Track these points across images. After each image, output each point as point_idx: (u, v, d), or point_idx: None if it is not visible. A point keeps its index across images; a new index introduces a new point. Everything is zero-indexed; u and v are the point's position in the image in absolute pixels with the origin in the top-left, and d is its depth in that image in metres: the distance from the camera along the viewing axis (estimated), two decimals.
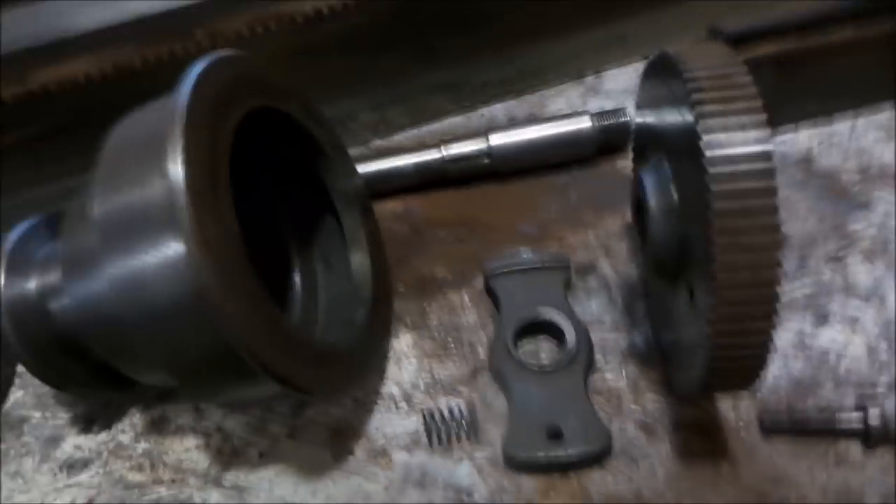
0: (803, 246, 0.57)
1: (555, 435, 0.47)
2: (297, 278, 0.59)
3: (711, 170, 0.35)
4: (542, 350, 0.54)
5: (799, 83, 0.63)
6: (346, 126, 0.75)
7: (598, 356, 0.52)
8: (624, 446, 0.48)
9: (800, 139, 0.66)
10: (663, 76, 0.43)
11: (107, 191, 0.40)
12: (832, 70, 0.63)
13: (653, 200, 0.43)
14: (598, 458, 0.47)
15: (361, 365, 0.51)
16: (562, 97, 0.76)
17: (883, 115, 0.66)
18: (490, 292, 0.57)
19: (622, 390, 0.50)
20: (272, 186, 0.58)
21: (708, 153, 0.35)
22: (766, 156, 0.34)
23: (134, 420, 0.54)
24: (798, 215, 0.60)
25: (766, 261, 0.34)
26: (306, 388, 0.43)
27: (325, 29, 0.66)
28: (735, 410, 0.48)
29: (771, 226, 0.34)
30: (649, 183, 0.44)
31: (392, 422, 0.51)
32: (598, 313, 0.55)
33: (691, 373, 0.41)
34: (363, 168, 0.67)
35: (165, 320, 0.39)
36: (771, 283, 0.34)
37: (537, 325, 0.54)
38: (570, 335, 0.52)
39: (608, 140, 0.67)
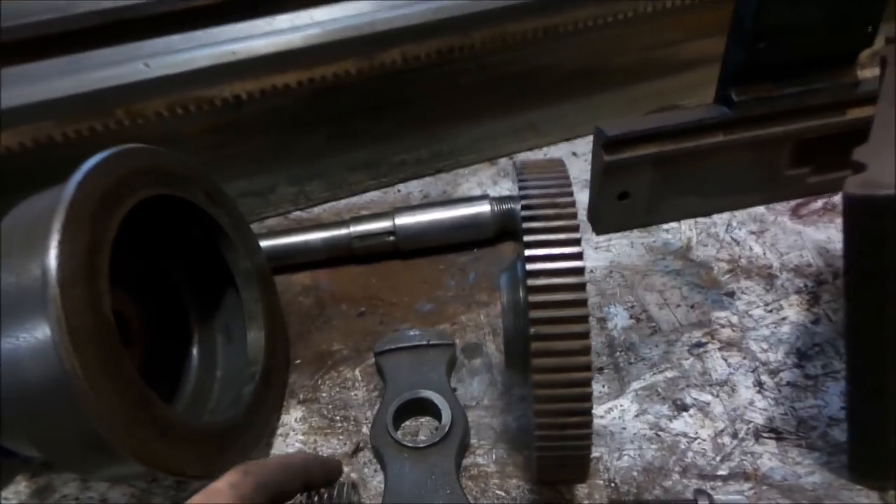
0: (670, 333, 0.62)
1: None
2: (195, 350, 0.61)
3: (528, 281, 0.39)
4: (423, 429, 0.57)
5: (678, 181, 0.69)
6: (266, 198, 0.79)
7: (473, 438, 0.56)
8: None
9: (682, 230, 0.72)
10: None
11: None
12: (706, 170, 0.68)
13: (504, 297, 0.47)
14: None
15: (245, 442, 0.53)
16: (475, 177, 0.82)
17: (757, 212, 0.72)
18: (379, 369, 0.60)
19: (490, 472, 0.54)
20: (176, 261, 0.61)
21: (528, 266, 0.39)
22: (578, 271, 0.39)
23: (19, 487, 0.55)
24: (671, 303, 0.64)
25: (577, 363, 0.38)
26: (178, 469, 0.45)
27: (245, 111, 0.70)
28: (589, 497, 0.51)
29: (581, 333, 0.38)
30: (503, 281, 0.48)
31: None
32: (478, 394, 0.59)
33: (533, 462, 0.45)
34: (275, 242, 0.70)
35: (35, 402, 0.41)
36: (582, 384, 0.38)
37: (417, 404, 0.57)
38: (446, 415, 0.55)
39: (506, 224, 0.72)
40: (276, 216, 0.79)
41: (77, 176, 0.44)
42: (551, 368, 0.38)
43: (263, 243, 0.67)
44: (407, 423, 0.57)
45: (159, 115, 0.67)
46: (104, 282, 0.42)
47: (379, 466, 0.54)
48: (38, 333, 0.39)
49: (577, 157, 0.84)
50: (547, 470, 0.42)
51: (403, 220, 0.70)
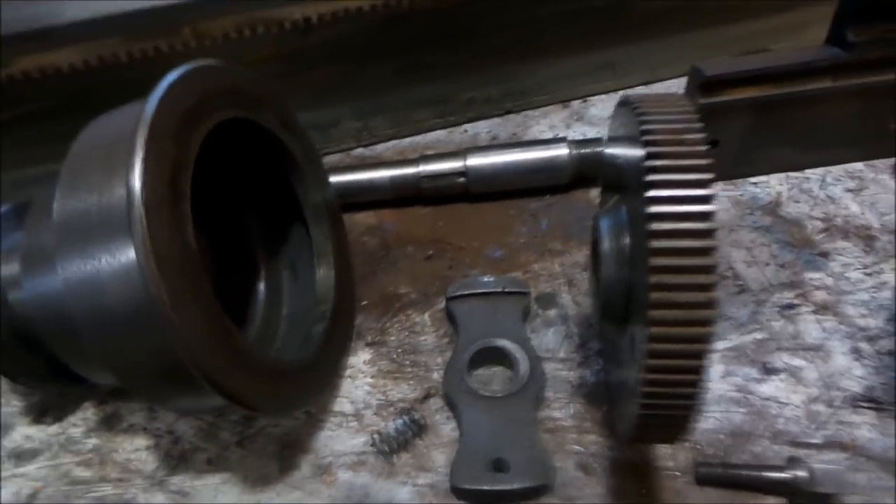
0: (759, 293, 0.58)
1: (500, 467, 0.48)
2: (261, 286, 0.59)
3: (652, 225, 0.35)
4: (496, 377, 0.55)
5: (774, 130, 0.64)
6: (329, 133, 0.75)
7: (548, 390, 0.53)
8: (562, 483, 0.49)
9: (772, 184, 0.67)
10: (629, 117, 0.44)
11: (68, 193, 0.41)
12: (808, 120, 0.63)
13: (606, 244, 0.44)
14: (540, 493, 0.48)
15: (315, 382, 0.52)
16: (546, 120, 0.77)
17: (854, 168, 0.67)
18: (450, 315, 0.58)
19: (567, 427, 0.51)
20: (244, 193, 0.59)
21: (651, 208, 0.35)
22: (707, 216, 0.35)
23: (87, 414, 0.55)
24: (759, 261, 0.61)
25: (697, 318, 0.35)
26: (253, 404, 0.43)
27: (314, 36, 0.67)
28: (673, 458, 0.49)
29: (705, 284, 0.35)
30: (604, 225, 0.45)
31: (341, 439, 0.52)
32: (553, 345, 0.56)
33: (627, 419, 0.42)
34: (340, 178, 0.67)
35: (116, 326, 0.40)
36: (701, 339, 0.35)
37: (492, 353, 0.55)
38: (523, 366, 0.53)
39: (584, 170, 0.68)
40: (338, 152, 0.76)
41: (158, 91, 0.41)
42: (670, 321, 0.35)
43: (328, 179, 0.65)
44: (479, 371, 0.55)
45: (226, 37, 0.63)
46: (187, 205, 0.40)
47: (451, 414, 0.53)
48: (121, 256, 0.37)
49: None
50: (646, 428, 0.39)
51: (476, 160, 0.67)
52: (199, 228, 0.55)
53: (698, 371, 0.36)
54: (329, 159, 0.75)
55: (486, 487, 0.47)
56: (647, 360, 0.36)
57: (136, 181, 0.36)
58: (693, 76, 0.60)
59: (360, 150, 0.76)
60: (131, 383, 0.43)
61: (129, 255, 0.37)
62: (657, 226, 0.35)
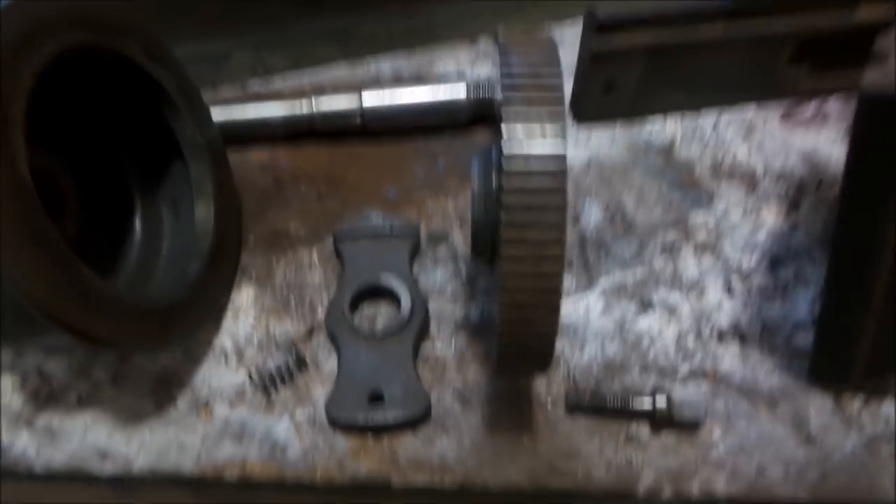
0: (644, 234, 0.59)
1: (376, 398, 0.48)
2: (138, 224, 0.57)
3: (505, 165, 0.35)
4: (380, 316, 0.55)
5: (669, 73, 0.64)
6: (221, 65, 0.72)
7: (432, 327, 0.54)
8: (439, 415, 0.50)
9: (667, 129, 0.68)
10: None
11: None
12: (701, 64, 0.64)
13: (475, 183, 0.44)
14: (415, 423, 0.49)
15: (190, 319, 0.50)
16: (452, 58, 0.75)
17: (746, 114, 0.68)
18: (338, 253, 0.57)
19: (448, 360, 0.52)
20: (118, 130, 0.56)
21: (505, 150, 0.35)
22: (559, 159, 0.35)
23: None
24: (647, 203, 0.62)
25: (549, 254, 0.35)
26: (104, 339, 0.42)
27: None
28: (547, 388, 0.50)
29: (556, 223, 0.35)
30: (476, 166, 0.44)
31: (220, 375, 0.52)
32: (441, 283, 0.56)
33: (492, 352, 0.43)
34: (230, 114, 0.65)
35: None
36: (553, 276, 0.36)
37: (377, 291, 0.54)
38: (406, 303, 0.53)
39: (483, 110, 0.67)
40: (231, 86, 0.73)
41: None
42: (522, 258, 0.35)
43: (216, 115, 0.62)
44: (365, 309, 0.55)
45: None
46: (18, 135, 0.37)
47: (333, 349, 0.52)
48: None
49: (561, 46, 0.78)
50: (507, 362, 0.40)
51: (372, 99, 0.65)
52: (65, 165, 0.53)
53: (554, 308, 0.37)
54: (223, 93, 0.72)
55: (360, 418, 0.47)
56: (502, 296, 0.36)
57: None
58: (587, 20, 0.59)
59: (255, 85, 0.73)
60: None
61: None
62: (509, 166, 0.35)
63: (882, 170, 0.39)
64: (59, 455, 0.47)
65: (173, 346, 0.51)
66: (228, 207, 0.57)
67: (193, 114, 0.55)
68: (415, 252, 0.57)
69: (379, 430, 0.48)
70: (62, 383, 0.50)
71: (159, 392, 0.50)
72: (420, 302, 0.53)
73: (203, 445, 0.48)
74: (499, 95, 0.48)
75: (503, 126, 0.36)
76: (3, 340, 0.46)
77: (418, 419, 0.48)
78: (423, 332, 0.53)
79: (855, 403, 0.49)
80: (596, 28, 0.58)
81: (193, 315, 0.50)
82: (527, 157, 0.35)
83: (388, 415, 0.48)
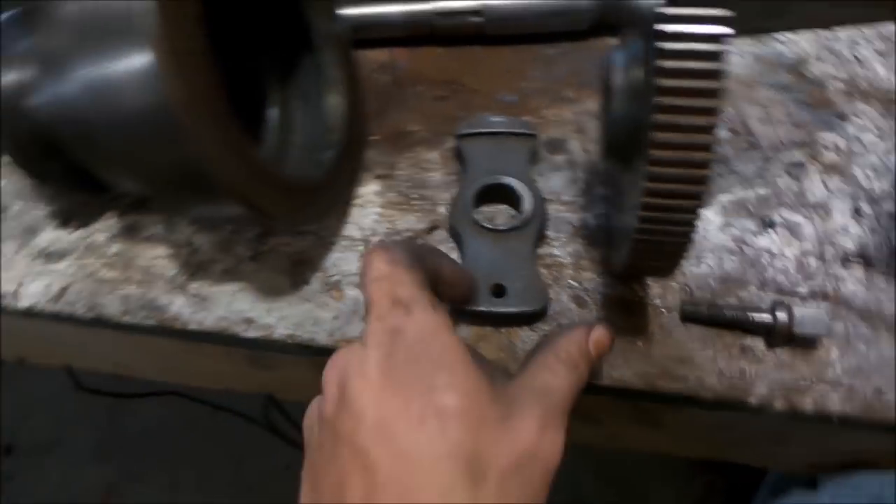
0: (769, 149, 0.58)
1: (499, 292, 0.51)
2: (274, 113, 0.59)
3: (658, 62, 0.35)
4: (499, 214, 0.57)
5: None
6: None
7: (550, 230, 0.55)
8: (555, 313, 0.52)
9: (800, 42, 0.65)
10: None
11: None
12: None
13: (618, 77, 0.43)
14: (533, 317, 0.51)
15: (326, 202, 0.53)
16: None
17: (888, 30, 0.64)
18: (458, 153, 0.59)
19: (565, 264, 0.54)
20: (253, 21, 0.57)
21: (659, 43, 0.35)
22: (717, 55, 0.35)
23: (109, 223, 0.57)
24: (774, 120, 0.60)
25: (700, 142, 0.36)
26: (268, 211, 0.45)
27: None
28: (662, 297, 0.51)
29: (710, 108, 0.35)
30: (618, 59, 0.44)
31: (349, 260, 0.55)
32: (558, 189, 0.57)
33: (622, 251, 0.44)
34: (351, 11, 0.65)
35: (133, 129, 0.40)
36: (703, 165, 0.36)
37: (498, 190, 0.56)
38: (527, 203, 0.54)
39: (605, 15, 0.65)
40: None
41: None
42: (672, 144, 0.35)
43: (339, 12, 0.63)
44: (485, 207, 0.56)
45: None
46: (198, 7, 0.39)
47: (455, 245, 0.55)
48: (137, 54, 0.37)
49: None
50: (640, 255, 0.41)
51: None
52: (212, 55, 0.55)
53: (698, 197, 0.37)
54: None
55: (484, 308, 0.50)
56: (647, 186, 0.37)
57: None
58: None
59: None
60: (152, 189, 0.45)
61: (142, 54, 0.37)
62: (663, 63, 0.35)
63: None
64: (209, 317, 0.52)
65: (312, 223, 0.54)
66: (356, 101, 0.59)
67: (325, 7, 0.56)
68: (533, 155, 0.58)
69: (500, 321, 0.51)
70: (209, 256, 0.55)
71: (295, 271, 0.54)
72: (539, 202, 0.54)
73: (335, 321, 0.52)
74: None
75: (659, 18, 0.35)
76: (168, 205, 0.50)
77: (538, 313, 0.51)
78: (541, 232, 0.54)
79: None
80: None
81: (329, 198, 0.53)
82: (683, 53, 0.35)
83: (509, 306, 0.50)
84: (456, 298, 0.46)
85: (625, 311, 0.51)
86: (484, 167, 0.57)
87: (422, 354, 0.34)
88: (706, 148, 0.36)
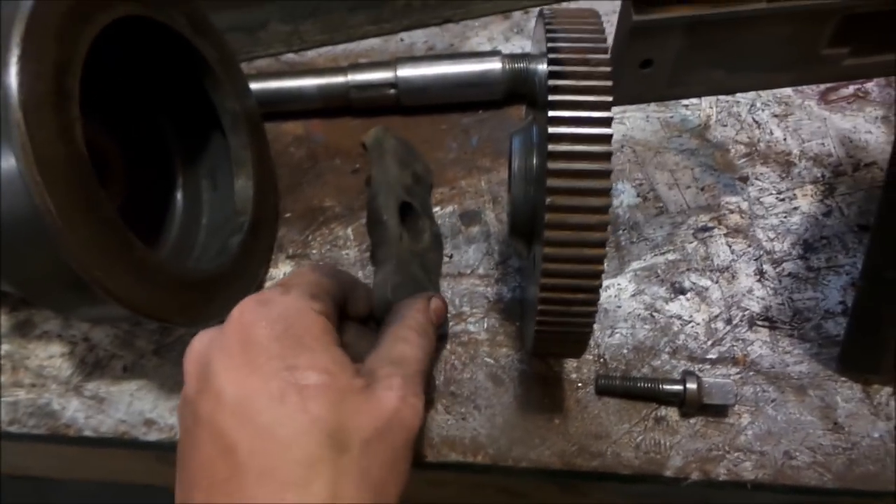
0: (677, 214, 0.59)
1: None
2: (179, 195, 0.58)
3: (549, 146, 0.35)
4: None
5: (708, 50, 0.63)
6: (256, 35, 0.72)
7: (465, 306, 0.55)
8: (472, 393, 0.51)
9: (703, 107, 0.67)
10: (543, 32, 0.43)
11: None
12: (741, 42, 0.63)
13: (515, 162, 0.44)
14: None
15: (231, 293, 0.52)
16: (485, 31, 0.75)
17: (783, 94, 0.67)
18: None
19: (481, 340, 0.53)
20: (160, 99, 0.56)
21: (550, 129, 0.35)
22: (604, 138, 0.35)
23: None
24: (681, 184, 0.62)
25: (592, 239, 0.36)
26: (160, 314, 0.43)
27: None
28: (577, 371, 0.51)
29: (600, 207, 0.35)
30: (516, 144, 0.44)
31: None
32: (473, 262, 0.57)
33: (530, 330, 0.44)
34: (265, 85, 0.65)
35: (8, 237, 0.38)
36: (595, 261, 0.36)
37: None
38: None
39: (517, 86, 0.66)
40: (266, 57, 0.73)
41: None
42: (564, 242, 0.36)
43: (253, 86, 0.62)
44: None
45: None
46: (75, 107, 0.38)
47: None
48: (2, 163, 0.36)
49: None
50: (543, 344, 0.41)
51: (407, 71, 0.65)
52: (110, 134, 0.54)
53: (593, 290, 0.37)
54: (257, 64, 0.72)
55: None
56: (542, 279, 0.37)
57: (13, 80, 0.34)
58: None
59: (290, 56, 0.73)
60: (33, 295, 0.42)
61: (9, 160, 0.35)
62: (554, 147, 0.35)
63: None
64: (107, 421, 0.49)
65: (214, 320, 0.52)
66: (267, 180, 0.58)
67: (233, 85, 0.55)
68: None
69: None
70: (107, 353, 0.52)
71: None
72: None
73: None
74: (540, 68, 0.47)
75: (549, 105, 0.36)
76: (53, 308, 0.48)
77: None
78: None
79: (883, 393, 0.49)
80: (635, 1, 0.57)
81: (235, 288, 0.52)
82: (572, 137, 0.35)
83: None
84: (360, 313, 0.46)
85: (541, 388, 0.51)
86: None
87: (283, 332, 0.34)
88: (601, 227, 0.36)
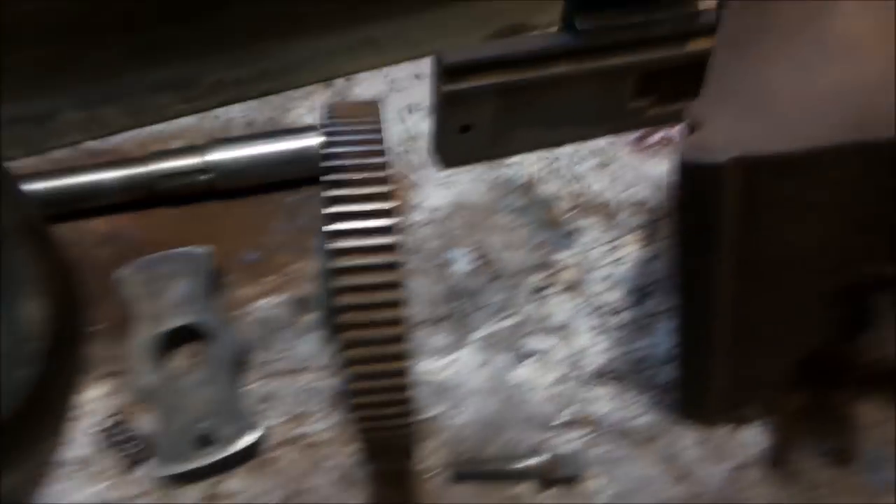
0: (513, 276, 0.60)
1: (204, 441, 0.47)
2: None
3: (334, 262, 0.33)
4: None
5: (522, 111, 0.65)
6: (47, 126, 0.65)
7: (305, 403, 0.51)
8: (321, 499, 0.47)
9: (525, 164, 0.69)
10: None
11: None
12: (552, 101, 0.65)
13: (320, 261, 0.41)
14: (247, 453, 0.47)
15: (29, 438, 0.44)
16: (307, 101, 0.72)
17: (598, 145, 0.70)
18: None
19: (325, 440, 0.49)
20: None
21: (330, 244, 0.33)
22: (389, 248, 0.33)
23: None
24: (514, 244, 0.62)
25: (392, 352, 0.34)
26: None
27: (17, 11, 0.55)
28: (431, 458, 0.49)
29: (394, 319, 0.33)
30: (316, 243, 0.42)
31: (75, 488, 0.46)
32: (308, 355, 0.54)
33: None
34: (54, 184, 0.58)
35: None
36: (399, 373, 0.34)
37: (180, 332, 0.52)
38: (220, 338, 0.51)
39: None
40: (63, 147, 0.66)
41: None
42: (364, 360, 0.33)
43: (40, 185, 0.56)
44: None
45: None
46: None
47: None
48: None
49: (419, 80, 0.76)
50: (373, 452, 0.38)
51: (218, 155, 0.61)
52: None
53: (404, 401, 0.35)
54: (53, 156, 0.65)
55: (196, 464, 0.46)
56: (353, 400, 0.34)
57: None
58: (436, 63, 0.59)
59: (91, 143, 0.66)
60: None
61: None
62: (337, 263, 0.33)
63: (707, 229, 0.41)
64: None
65: (19, 469, 0.44)
66: (63, 296, 0.51)
67: (6, 199, 0.48)
68: (211, 277, 0.55)
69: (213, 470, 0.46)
70: None
71: None
72: (230, 331, 0.52)
73: None
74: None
75: (327, 218, 0.34)
76: None
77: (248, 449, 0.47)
78: (241, 357, 0.52)
79: (722, 432, 0.51)
80: (443, 71, 0.58)
81: (32, 433, 0.44)
82: (355, 250, 0.33)
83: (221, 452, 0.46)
84: None
85: (394, 483, 0.48)
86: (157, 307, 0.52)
87: None
88: (396, 322, 0.34)
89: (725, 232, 0.39)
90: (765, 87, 0.40)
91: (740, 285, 0.41)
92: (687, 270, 0.43)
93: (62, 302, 0.51)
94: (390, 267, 0.32)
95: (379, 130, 0.36)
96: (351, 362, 0.33)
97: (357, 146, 0.34)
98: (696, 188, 0.39)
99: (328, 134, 0.35)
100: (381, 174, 0.33)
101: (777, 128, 0.38)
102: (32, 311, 0.48)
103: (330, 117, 0.37)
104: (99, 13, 0.60)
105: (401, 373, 0.33)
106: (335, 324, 0.33)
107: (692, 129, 0.39)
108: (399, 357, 0.33)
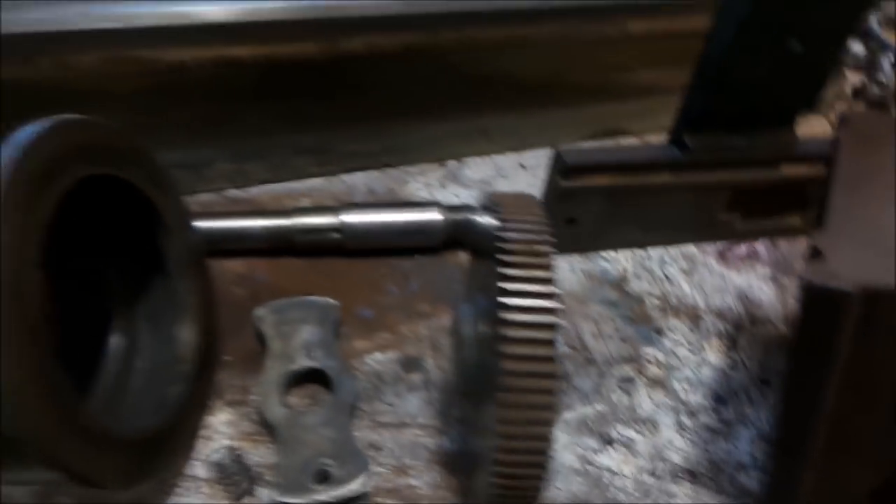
0: (603, 365, 0.64)
1: (322, 478, 0.51)
2: (116, 338, 0.56)
3: (503, 331, 0.39)
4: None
5: (624, 212, 0.71)
6: (201, 172, 0.73)
7: (405, 457, 0.55)
8: None
9: (620, 261, 0.74)
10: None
11: None
12: (651, 206, 0.71)
13: (466, 328, 0.47)
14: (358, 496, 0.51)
15: (169, 450, 0.50)
16: (422, 177, 0.80)
17: (688, 251, 0.75)
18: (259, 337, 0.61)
19: (423, 494, 0.54)
20: (103, 244, 0.56)
21: (503, 315, 0.39)
22: (551, 326, 0.39)
23: None
24: (605, 335, 0.67)
25: (542, 419, 0.39)
26: (98, 480, 0.42)
27: (188, 76, 0.65)
28: None
29: (548, 388, 0.39)
30: (465, 310, 0.48)
31: None
32: (414, 412, 0.58)
33: (482, 490, 0.45)
34: (211, 224, 0.66)
35: None
36: (544, 438, 0.39)
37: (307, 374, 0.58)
38: (340, 382, 0.57)
39: (455, 235, 0.71)
40: (209, 192, 0.74)
41: (10, 153, 0.39)
42: (517, 404, 0.39)
43: (198, 224, 0.63)
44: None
45: (92, 71, 0.60)
46: (35, 276, 0.38)
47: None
48: None
49: (524, 169, 0.84)
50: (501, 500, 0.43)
51: (351, 217, 0.68)
52: (49, 282, 0.52)
53: (542, 465, 0.40)
54: (200, 198, 0.73)
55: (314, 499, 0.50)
56: (498, 456, 0.39)
57: None
58: (555, 162, 0.65)
59: (233, 192, 0.75)
60: None
61: None
62: (508, 332, 0.39)
63: (822, 346, 0.45)
64: None
65: (153, 479, 0.50)
66: (210, 325, 0.58)
67: (182, 234, 0.56)
68: (336, 325, 0.61)
69: None
70: None
71: None
72: (350, 376, 0.58)
73: None
74: (478, 219, 0.51)
75: (502, 292, 0.39)
76: None
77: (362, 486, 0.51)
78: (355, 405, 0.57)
79: None
80: (563, 170, 0.64)
81: (173, 445, 0.50)
82: (523, 323, 0.39)
83: (336, 491, 0.50)
84: None
85: None
86: (288, 348, 0.58)
87: None
88: (549, 392, 0.39)
89: (841, 353, 0.43)
90: (885, 223, 0.45)
91: (844, 402, 0.44)
92: (795, 382, 0.47)
93: (208, 331, 0.57)
94: (550, 343, 0.38)
95: (546, 223, 0.42)
96: (505, 423, 0.38)
97: (529, 234, 0.41)
98: (819, 310, 0.43)
99: (503, 220, 0.42)
100: (549, 261, 0.39)
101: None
102: (189, 335, 0.55)
103: (494, 203, 0.43)
104: (258, 83, 0.69)
105: (546, 437, 0.38)
106: (491, 386, 0.39)
107: (814, 256, 0.44)
108: (547, 423, 0.38)
